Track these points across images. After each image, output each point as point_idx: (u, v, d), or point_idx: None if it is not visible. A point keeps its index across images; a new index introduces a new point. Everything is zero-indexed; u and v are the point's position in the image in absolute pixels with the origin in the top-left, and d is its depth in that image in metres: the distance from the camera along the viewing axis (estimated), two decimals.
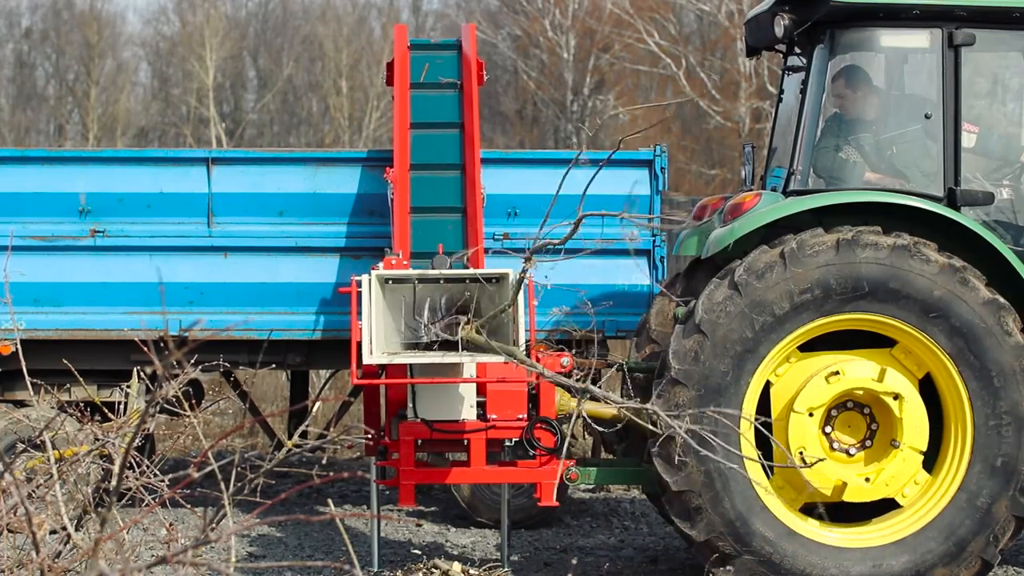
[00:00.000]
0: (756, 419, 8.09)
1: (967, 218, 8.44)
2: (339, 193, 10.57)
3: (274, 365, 10.57)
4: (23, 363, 6.87)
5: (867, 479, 8.33)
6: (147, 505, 4.87)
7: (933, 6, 8.52)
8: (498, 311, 7.58)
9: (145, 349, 4.24)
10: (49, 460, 5.69)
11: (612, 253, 10.64)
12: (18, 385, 10.09)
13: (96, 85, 41.90)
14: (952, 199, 8.51)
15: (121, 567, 3.65)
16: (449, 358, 7.78)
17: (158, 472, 5.94)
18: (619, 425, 8.60)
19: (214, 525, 4.20)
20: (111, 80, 43.32)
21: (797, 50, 9.19)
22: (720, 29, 35.42)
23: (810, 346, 8.48)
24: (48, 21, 44.89)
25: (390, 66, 10.85)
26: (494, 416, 8.44)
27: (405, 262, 9.17)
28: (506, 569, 8.90)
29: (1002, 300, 8.26)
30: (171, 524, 5.98)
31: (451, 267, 8.39)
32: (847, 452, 8.42)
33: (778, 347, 8.32)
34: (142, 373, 8.76)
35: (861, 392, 8.40)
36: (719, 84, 34.57)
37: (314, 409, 10.99)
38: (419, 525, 10.94)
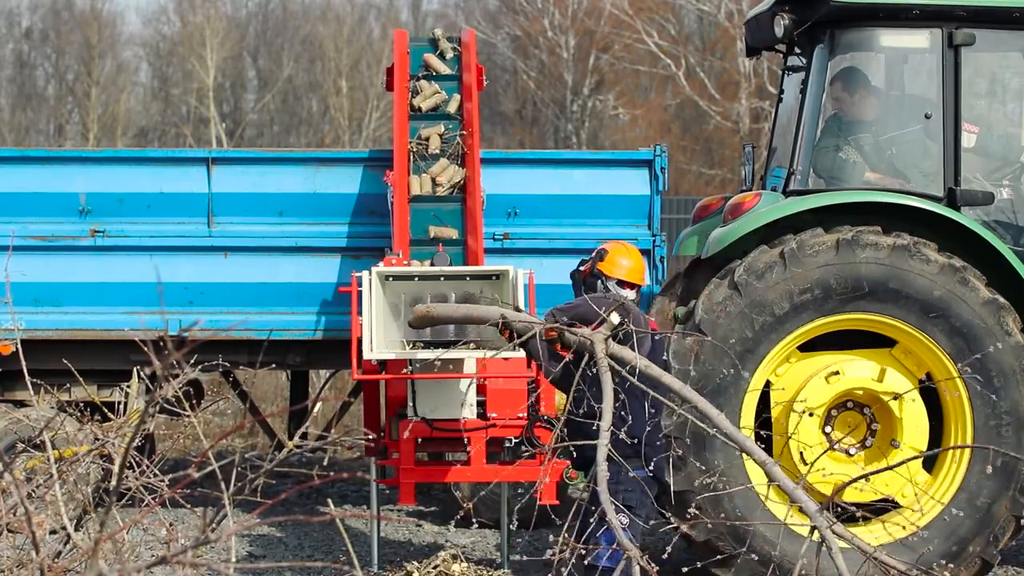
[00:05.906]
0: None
1: (967, 218, 8.43)
2: (339, 193, 10.55)
3: (274, 365, 10.55)
4: (23, 363, 6.86)
5: (867, 479, 8.32)
6: (147, 505, 4.86)
7: (933, 6, 8.51)
8: None
9: (145, 349, 4.23)
10: (49, 460, 5.68)
11: None
12: (18, 385, 10.08)
13: (96, 85, 41.91)
14: (952, 199, 8.51)
15: (121, 567, 3.65)
16: (449, 354, 7.77)
17: (158, 472, 5.92)
18: None
19: (214, 525, 4.19)
20: (111, 80, 43.35)
21: (797, 50, 9.18)
22: (720, 29, 35.43)
23: (810, 346, 8.47)
24: (48, 21, 44.92)
25: (390, 71, 10.84)
26: (494, 415, 8.43)
27: (406, 262, 9.16)
28: (506, 569, 8.88)
29: (1002, 300, 8.26)
30: (171, 524, 5.97)
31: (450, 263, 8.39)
32: (847, 452, 8.41)
33: (778, 347, 8.32)
34: (142, 373, 8.75)
35: (861, 392, 8.40)
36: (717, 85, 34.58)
37: (314, 409, 10.96)
38: (419, 525, 10.94)
